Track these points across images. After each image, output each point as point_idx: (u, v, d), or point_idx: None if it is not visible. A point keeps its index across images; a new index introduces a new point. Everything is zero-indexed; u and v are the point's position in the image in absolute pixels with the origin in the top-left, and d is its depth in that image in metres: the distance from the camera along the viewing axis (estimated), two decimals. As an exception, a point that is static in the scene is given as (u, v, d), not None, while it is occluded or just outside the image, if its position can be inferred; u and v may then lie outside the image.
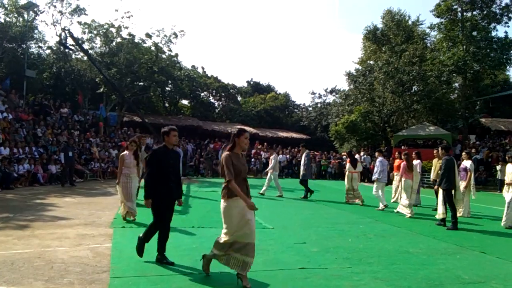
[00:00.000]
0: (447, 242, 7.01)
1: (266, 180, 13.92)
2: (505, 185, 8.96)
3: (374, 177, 11.55)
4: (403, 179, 10.41)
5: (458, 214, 9.86)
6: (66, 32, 22.92)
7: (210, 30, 79.34)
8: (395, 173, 12.00)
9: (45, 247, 5.69)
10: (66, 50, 25.28)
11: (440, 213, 8.90)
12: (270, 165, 13.88)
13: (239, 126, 35.53)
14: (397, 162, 12.54)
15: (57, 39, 24.00)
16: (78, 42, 23.58)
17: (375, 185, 11.41)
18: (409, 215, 9.83)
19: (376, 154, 12.60)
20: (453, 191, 8.73)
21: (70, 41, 23.22)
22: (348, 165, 12.76)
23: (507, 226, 8.72)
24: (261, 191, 13.43)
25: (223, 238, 4.43)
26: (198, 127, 30.84)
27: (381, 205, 11.06)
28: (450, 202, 8.62)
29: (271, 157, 14.08)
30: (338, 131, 28.15)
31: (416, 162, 11.01)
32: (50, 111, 21.48)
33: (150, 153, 5.41)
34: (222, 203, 4.43)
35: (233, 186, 4.29)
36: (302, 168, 13.59)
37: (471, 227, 8.71)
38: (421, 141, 25.89)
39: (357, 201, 12.33)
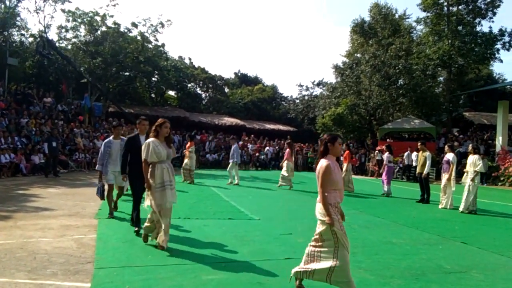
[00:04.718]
0: (429, 232, 7.14)
1: None
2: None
3: (230, 160, 14.32)
4: (286, 162, 13.54)
5: (441, 206, 10.25)
6: (44, 39, 22.25)
7: (198, 20, 78.58)
8: (344, 164, 12.78)
9: (28, 238, 5.60)
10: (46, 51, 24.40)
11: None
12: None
13: (226, 118, 35.11)
14: (344, 153, 13.07)
15: (40, 27, 23.37)
16: (56, 48, 23.02)
17: (229, 165, 14.28)
18: (281, 184, 13.59)
19: (231, 142, 15.42)
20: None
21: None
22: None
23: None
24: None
25: None
26: (185, 119, 30.63)
27: (233, 181, 13.98)
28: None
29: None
30: (325, 123, 28.25)
31: (385, 155, 12.81)
32: (33, 101, 21.05)
33: None
34: None
35: None
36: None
37: (453, 218, 8.89)
38: (406, 134, 26.22)
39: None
